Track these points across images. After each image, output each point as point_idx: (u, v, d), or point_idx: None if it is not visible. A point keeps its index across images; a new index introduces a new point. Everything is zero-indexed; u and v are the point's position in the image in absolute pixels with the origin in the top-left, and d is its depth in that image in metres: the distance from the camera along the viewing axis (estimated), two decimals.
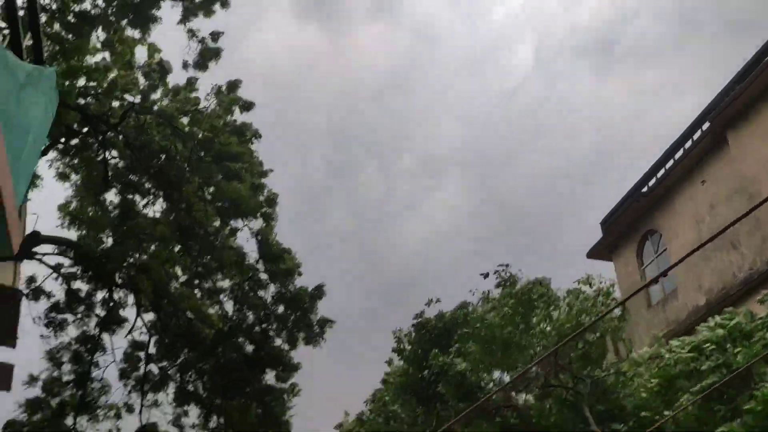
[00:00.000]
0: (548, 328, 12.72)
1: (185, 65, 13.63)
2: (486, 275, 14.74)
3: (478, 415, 13.12)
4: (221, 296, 15.53)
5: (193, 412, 15.84)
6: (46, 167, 13.71)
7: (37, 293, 14.21)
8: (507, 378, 13.28)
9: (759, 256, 15.41)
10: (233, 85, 14.30)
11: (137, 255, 14.26)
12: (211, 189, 13.71)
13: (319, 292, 15.26)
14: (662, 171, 19.04)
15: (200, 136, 13.30)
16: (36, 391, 14.89)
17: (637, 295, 19.99)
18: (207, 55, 13.55)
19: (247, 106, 14.38)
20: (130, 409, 15.70)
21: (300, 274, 15.29)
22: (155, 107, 13.41)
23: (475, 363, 12.60)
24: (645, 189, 19.79)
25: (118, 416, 15.66)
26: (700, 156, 17.49)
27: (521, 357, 13.09)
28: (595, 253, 22.13)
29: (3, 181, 3.20)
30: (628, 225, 20.53)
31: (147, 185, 14.52)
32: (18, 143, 3.79)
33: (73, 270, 14.46)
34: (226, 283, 15.60)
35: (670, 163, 18.69)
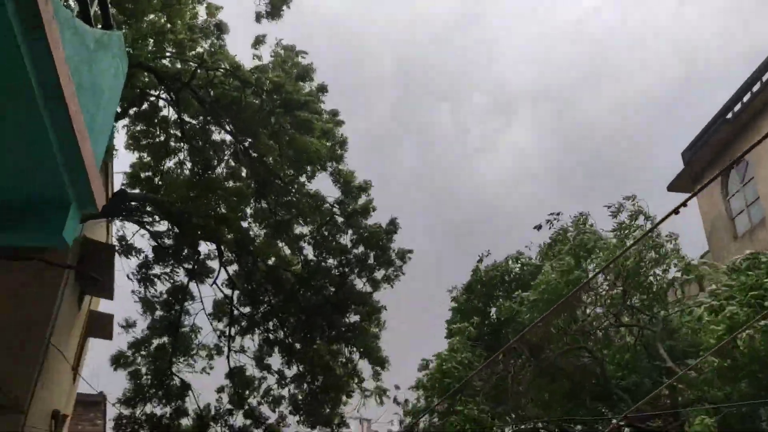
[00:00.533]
0: (603, 277, 12.60)
1: (258, 17, 13.62)
2: (539, 227, 14.75)
3: (543, 374, 13.22)
4: (301, 242, 15.94)
5: (277, 359, 16.69)
6: (119, 134, 14.22)
7: (128, 250, 15.11)
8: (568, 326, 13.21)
9: None
10: (289, 49, 14.30)
11: (217, 209, 14.81)
12: (283, 139, 13.88)
13: (393, 226, 15.43)
14: (748, 95, 17.88)
15: (267, 86, 13.40)
16: (129, 337, 16.17)
17: (722, 227, 19.20)
18: (278, 2, 13.47)
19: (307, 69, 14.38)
20: (219, 351, 16.71)
21: (374, 209, 15.40)
22: (222, 63, 13.59)
23: (540, 312, 12.63)
24: (730, 115, 18.69)
25: (210, 357, 16.73)
26: None
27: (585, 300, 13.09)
28: (677, 185, 21.26)
29: (82, 143, 3.44)
30: (712, 154, 19.53)
31: (220, 139, 14.95)
32: (93, 106, 4.03)
33: (158, 226, 15.27)
34: (305, 230, 15.96)
35: (758, 86, 17.51)
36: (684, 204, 3.86)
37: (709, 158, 19.71)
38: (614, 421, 10.46)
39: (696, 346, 11.39)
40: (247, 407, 16.53)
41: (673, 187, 21.37)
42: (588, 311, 13.56)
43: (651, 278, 12.63)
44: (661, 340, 12.21)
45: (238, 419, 16.55)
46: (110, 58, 4.54)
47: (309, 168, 14.66)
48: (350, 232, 15.53)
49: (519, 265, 16.57)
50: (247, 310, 16.46)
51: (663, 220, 4.01)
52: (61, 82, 2.97)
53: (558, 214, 14.65)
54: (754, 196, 17.88)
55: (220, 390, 16.83)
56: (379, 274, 15.75)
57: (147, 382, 15.88)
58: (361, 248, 15.62)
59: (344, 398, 16.43)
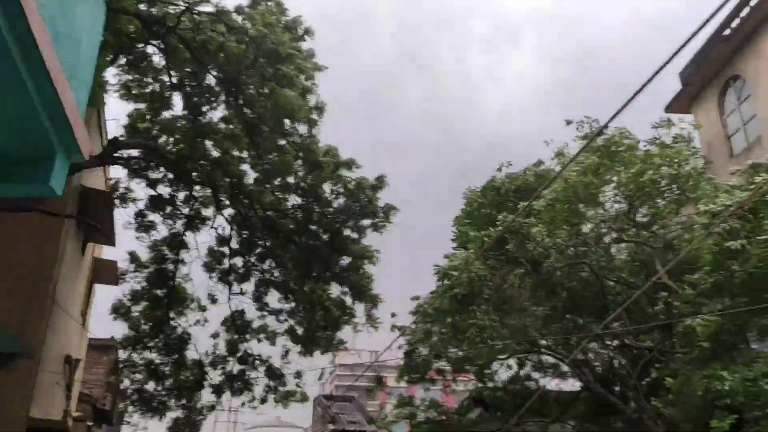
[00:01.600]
0: (623, 179, 12.36)
1: None
2: (570, 122, 13.71)
3: (542, 287, 13.40)
4: (289, 190, 15.95)
5: (274, 297, 17.05)
6: (110, 82, 13.97)
7: (123, 198, 15.21)
8: (573, 238, 13.15)
9: None
10: None
11: (211, 153, 14.81)
12: (266, 90, 13.65)
13: (380, 183, 15.44)
14: (747, 9, 17.49)
15: (252, 32, 13.10)
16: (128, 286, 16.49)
17: (719, 145, 19.19)
18: None
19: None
20: (213, 300, 17.00)
21: (358, 166, 15.28)
22: (207, 6, 13.29)
23: (546, 219, 12.48)
24: (727, 32, 18.34)
25: (203, 309, 17.08)
26: None
27: (594, 211, 13.04)
28: (674, 106, 21.09)
29: (62, 92, 3.47)
30: (711, 72, 19.30)
31: (210, 85, 14.75)
32: (71, 55, 4.04)
33: (154, 173, 15.29)
34: (293, 179, 15.91)
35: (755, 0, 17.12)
36: (605, 126, 3.85)
37: (708, 77, 19.49)
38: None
39: (693, 263, 11.57)
40: (241, 353, 17.03)
41: (670, 108, 21.21)
42: (592, 226, 13.39)
43: (664, 193, 12.58)
44: (660, 257, 12.37)
45: (235, 366, 17.11)
46: (86, 6, 4.50)
47: (287, 122, 14.40)
48: (335, 182, 15.49)
49: (536, 171, 15.71)
50: (244, 252, 16.70)
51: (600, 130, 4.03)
52: (34, 33, 2.99)
53: (596, 119, 13.54)
54: (750, 113, 17.79)
55: (215, 336, 17.25)
56: (366, 222, 15.78)
57: (145, 332, 16.35)
58: (344, 199, 15.60)
59: (341, 329, 16.94)
